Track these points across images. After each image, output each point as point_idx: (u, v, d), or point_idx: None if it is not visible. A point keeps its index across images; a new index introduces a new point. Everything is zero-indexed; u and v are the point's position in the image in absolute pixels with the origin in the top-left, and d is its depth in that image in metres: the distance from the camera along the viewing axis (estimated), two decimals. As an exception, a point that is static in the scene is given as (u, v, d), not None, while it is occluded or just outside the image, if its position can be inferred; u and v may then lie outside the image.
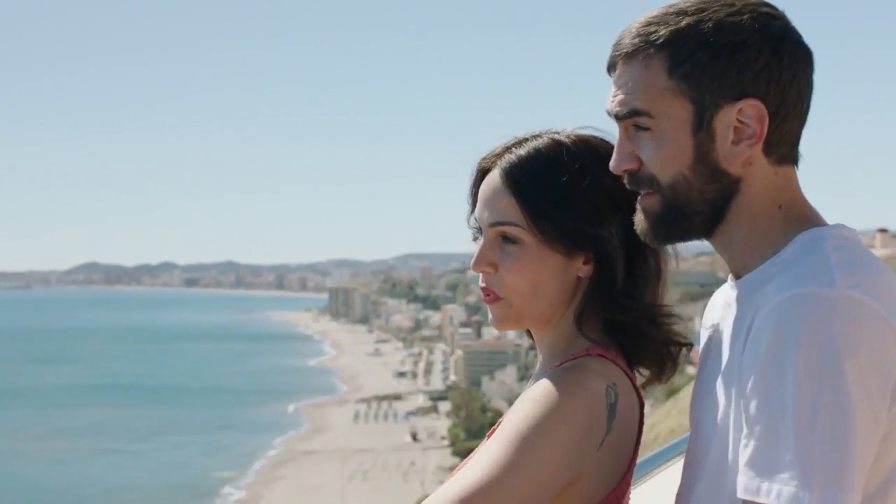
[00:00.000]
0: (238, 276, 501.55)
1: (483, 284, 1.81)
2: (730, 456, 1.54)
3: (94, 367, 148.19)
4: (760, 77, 1.55)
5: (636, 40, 1.60)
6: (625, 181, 1.67)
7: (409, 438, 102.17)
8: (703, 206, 1.61)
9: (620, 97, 1.62)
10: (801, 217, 1.62)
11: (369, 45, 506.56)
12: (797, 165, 1.64)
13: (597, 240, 1.76)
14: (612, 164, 1.66)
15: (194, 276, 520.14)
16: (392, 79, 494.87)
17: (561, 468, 1.64)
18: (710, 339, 1.74)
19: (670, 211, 1.62)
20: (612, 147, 1.73)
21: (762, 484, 1.41)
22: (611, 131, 1.75)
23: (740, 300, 1.62)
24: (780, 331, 1.43)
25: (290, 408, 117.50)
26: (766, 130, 1.56)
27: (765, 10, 1.58)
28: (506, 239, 1.77)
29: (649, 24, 1.60)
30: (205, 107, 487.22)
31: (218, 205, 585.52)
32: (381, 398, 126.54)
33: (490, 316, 1.83)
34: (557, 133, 1.82)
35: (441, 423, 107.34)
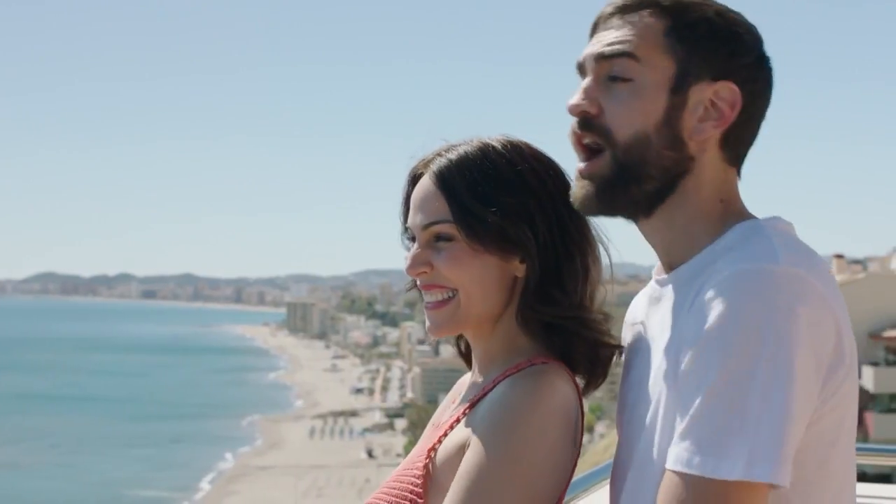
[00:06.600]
0: (196, 288, 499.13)
1: (424, 284, 1.83)
2: (656, 449, 1.53)
3: (45, 377, 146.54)
4: (743, 71, 1.59)
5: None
6: (574, 127, 1.63)
7: (364, 455, 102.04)
8: (658, 172, 1.59)
9: (610, 39, 1.61)
10: (739, 212, 1.63)
11: (333, 68, 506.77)
12: (740, 177, 1.67)
13: (522, 238, 1.77)
14: (570, 101, 1.62)
15: (152, 288, 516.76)
16: (353, 96, 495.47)
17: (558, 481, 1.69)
18: (636, 339, 1.74)
19: (623, 171, 1.59)
20: (539, 151, 1.82)
21: (694, 457, 1.39)
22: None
23: (677, 289, 1.60)
24: (726, 305, 1.42)
25: (246, 422, 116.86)
26: (734, 118, 1.58)
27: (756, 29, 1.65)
28: (439, 238, 1.79)
29: None
30: (165, 121, 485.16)
31: (177, 217, 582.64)
32: (337, 414, 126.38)
33: (429, 323, 1.82)
34: (488, 137, 1.85)
35: (397, 440, 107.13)
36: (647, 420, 1.57)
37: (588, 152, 1.62)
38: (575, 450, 1.72)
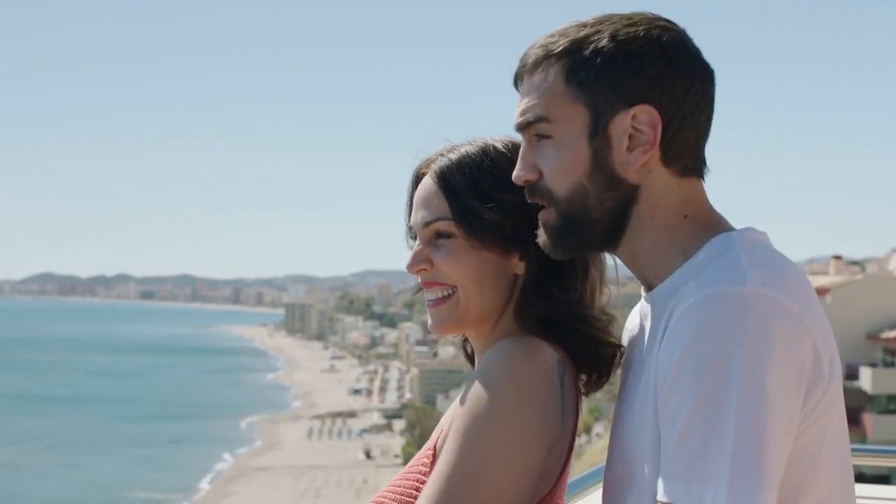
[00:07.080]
0: (194, 289, 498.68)
1: (424, 281, 1.85)
2: (647, 468, 1.54)
3: (43, 378, 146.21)
4: (654, 84, 1.58)
5: (538, 51, 1.65)
6: (525, 193, 1.69)
7: (362, 456, 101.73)
8: (602, 215, 1.62)
9: (523, 107, 1.65)
10: (710, 225, 1.63)
11: (333, 68, 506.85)
12: (703, 178, 1.66)
13: (521, 235, 1.78)
14: (513, 175, 1.69)
15: (150, 289, 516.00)
16: (354, 96, 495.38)
17: (540, 451, 1.67)
18: (628, 356, 1.75)
19: (568, 222, 1.63)
20: None
21: (678, 486, 1.40)
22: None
23: (655, 309, 1.61)
24: (694, 330, 1.43)
25: (244, 423, 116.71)
26: (659, 137, 1.58)
27: (661, 24, 1.63)
28: (439, 235, 1.82)
29: (551, 36, 1.65)
30: (163, 121, 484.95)
31: (175, 217, 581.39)
32: (335, 415, 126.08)
33: (431, 321, 1.84)
34: (490, 138, 1.88)
35: (395, 441, 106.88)
36: (638, 436, 1.58)
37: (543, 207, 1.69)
38: (565, 414, 1.71)
